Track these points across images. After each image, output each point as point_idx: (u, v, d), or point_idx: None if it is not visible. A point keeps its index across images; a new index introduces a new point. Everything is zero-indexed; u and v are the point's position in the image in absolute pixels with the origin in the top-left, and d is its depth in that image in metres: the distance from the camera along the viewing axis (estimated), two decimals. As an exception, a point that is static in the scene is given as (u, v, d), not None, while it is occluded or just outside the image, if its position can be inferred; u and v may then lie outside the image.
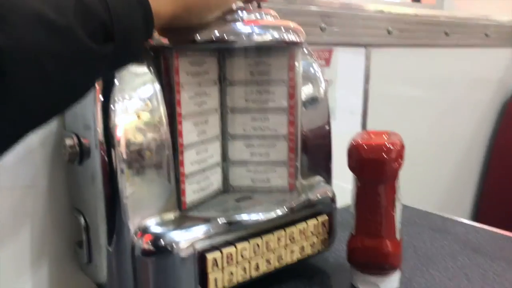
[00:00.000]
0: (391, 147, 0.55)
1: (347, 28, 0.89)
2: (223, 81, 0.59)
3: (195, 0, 0.44)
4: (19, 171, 0.54)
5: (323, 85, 0.63)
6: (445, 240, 0.75)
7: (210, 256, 0.49)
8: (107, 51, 0.36)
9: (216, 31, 0.49)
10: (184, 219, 0.51)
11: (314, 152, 0.63)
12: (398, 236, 0.59)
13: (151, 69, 0.49)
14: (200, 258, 0.49)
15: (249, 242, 0.52)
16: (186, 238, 0.48)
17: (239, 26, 0.50)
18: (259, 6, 0.55)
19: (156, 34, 0.48)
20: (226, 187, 0.61)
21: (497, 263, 0.67)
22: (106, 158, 0.46)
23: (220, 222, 0.51)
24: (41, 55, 0.31)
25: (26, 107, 0.32)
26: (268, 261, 0.55)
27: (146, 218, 0.48)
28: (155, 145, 0.48)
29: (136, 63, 0.47)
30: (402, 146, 0.56)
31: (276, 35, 0.52)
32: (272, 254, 0.55)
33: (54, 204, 0.57)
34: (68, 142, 0.49)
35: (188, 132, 0.53)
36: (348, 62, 0.91)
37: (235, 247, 0.51)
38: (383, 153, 0.54)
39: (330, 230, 0.62)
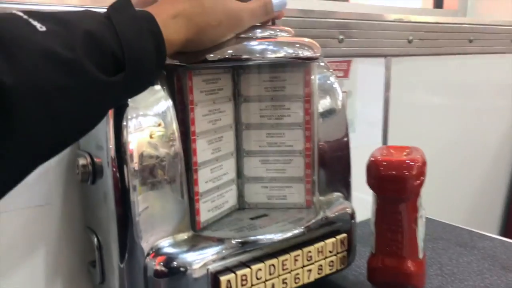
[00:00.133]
0: (412, 163, 0.53)
1: (366, 38, 0.87)
2: (237, 98, 0.58)
3: (208, 24, 0.44)
4: (33, 190, 0.54)
5: (340, 97, 0.62)
6: (472, 256, 0.73)
7: (223, 278, 0.48)
8: (117, 82, 0.35)
9: (229, 49, 0.48)
10: (197, 239, 0.50)
11: (332, 167, 0.62)
12: (421, 255, 0.57)
13: (164, 87, 0.48)
14: (214, 280, 0.48)
15: (264, 262, 0.51)
16: (199, 259, 0.47)
17: (253, 43, 0.49)
18: (273, 23, 0.54)
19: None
20: (241, 204, 0.60)
21: (526, 282, 0.64)
22: (118, 175, 0.46)
23: (234, 243, 0.50)
24: (48, 90, 0.31)
25: (34, 143, 0.31)
26: (284, 282, 0.53)
27: (158, 238, 0.47)
28: (168, 162, 0.47)
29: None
30: (424, 162, 0.54)
31: (290, 51, 0.51)
32: (288, 274, 0.54)
33: (68, 223, 0.57)
34: (81, 161, 0.49)
35: (202, 150, 0.53)
36: (367, 73, 0.90)
37: (250, 268, 0.50)
38: (403, 170, 0.53)
39: (349, 248, 0.60)
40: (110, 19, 0.37)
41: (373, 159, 0.55)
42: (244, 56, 0.48)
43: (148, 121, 0.46)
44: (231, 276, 0.48)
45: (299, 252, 0.54)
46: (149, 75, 0.40)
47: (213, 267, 0.48)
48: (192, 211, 0.52)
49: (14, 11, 0.33)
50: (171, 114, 0.48)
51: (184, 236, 0.49)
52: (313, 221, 0.56)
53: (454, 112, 1.15)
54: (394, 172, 0.53)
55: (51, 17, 0.34)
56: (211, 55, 0.47)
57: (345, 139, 0.63)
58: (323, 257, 0.56)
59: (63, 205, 0.56)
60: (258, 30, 0.51)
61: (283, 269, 0.53)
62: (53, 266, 0.57)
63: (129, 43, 0.36)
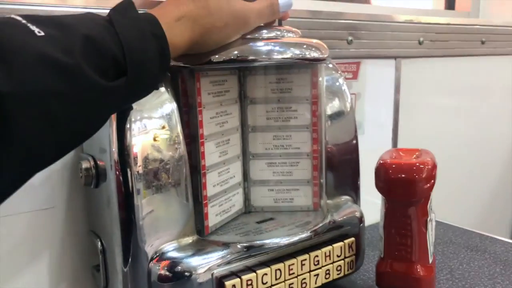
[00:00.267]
0: (422, 166, 0.52)
1: (375, 40, 0.86)
2: (243, 99, 0.57)
3: (213, 26, 0.43)
4: (37, 194, 0.54)
5: (349, 99, 0.61)
6: (483, 260, 0.71)
7: (228, 283, 0.47)
8: (119, 86, 0.35)
9: (235, 50, 0.47)
10: (202, 244, 0.49)
11: (340, 170, 0.61)
12: (430, 259, 0.56)
13: (168, 89, 0.48)
14: (219, 285, 0.47)
15: (270, 267, 0.50)
16: (204, 264, 0.47)
17: (259, 44, 0.49)
18: (280, 24, 0.53)
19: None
20: (248, 208, 0.60)
21: (540, 287, 0.63)
22: (121, 179, 0.45)
23: (239, 247, 0.49)
24: (46, 96, 0.30)
25: (32, 150, 0.31)
26: (290, 287, 0.52)
27: (163, 242, 0.47)
28: (172, 166, 0.47)
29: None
30: (434, 165, 0.53)
31: (297, 52, 0.50)
32: (295, 279, 0.53)
33: (72, 227, 0.57)
34: (84, 165, 0.48)
35: (210, 153, 0.52)
36: (377, 75, 0.89)
37: (255, 272, 0.49)
38: (413, 173, 0.52)
39: (357, 252, 0.59)
40: (112, 22, 0.36)
41: (382, 162, 0.54)
42: (250, 57, 0.48)
43: (152, 124, 0.46)
44: (236, 280, 0.48)
45: (306, 256, 0.53)
46: (152, 80, 0.39)
47: (218, 272, 0.47)
48: (201, 216, 0.51)
49: (12, 16, 0.32)
50: (176, 117, 0.47)
51: (188, 240, 0.48)
52: (321, 225, 0.55)
53: (465, 115, 1.13)
54: (403, 175, 0.52)
55: (50, 21, 0.33)
56: (216, 56, 0.46)
57: (354, 141, 0.62)
58: (330, 261, 0.56)
59: (67, 208, 0.56)
60: (265, 31, 0.50)
61: (290, 274, 0.52)
62: (57, 270, 0.56)
63: (130, 47, 0.35)
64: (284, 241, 0.52)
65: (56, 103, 0.31)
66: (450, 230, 0.84)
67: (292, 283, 0.52)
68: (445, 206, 0.77)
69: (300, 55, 0.50)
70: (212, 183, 0.53)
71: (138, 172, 0.45)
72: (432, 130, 1.04)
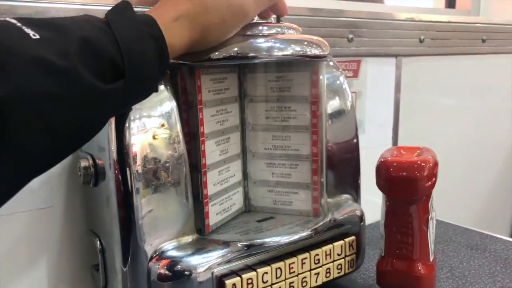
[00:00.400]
0: (423, 164, 0.52)
1: (376, 38, 0.86)
2: (243, 98, 0.57)
3: (211, 23, 0.42)
4: (35, 193, 0.53)
5: (350, 98, 0.61)
6: (483, 259, 0.71)
7: (229, 282, 0.47)
8: (117, 89, 0.34)
9: (235, 47, 0.47)
10: (202, 242, 0.49)
11: (341, 169, 0.60)
12: (431, 258, 0.55)
13: (168, 87, 0.47)
14: (219, 283, 0.47)
15: (270, 266, 0.50)
16: (204, 263, 0.46)
17: (259, 41, 0.48)
18: (278, 21, 0.53)
19: None
20: (248, 207, 0.59)
21: (540, 285, 0.62)
22: (120, 178, 0.45)
23: (239, 246, 0.49)
24: (41, 100, 0.30)
25: (30, 154, 0.30)
26: (291, 285, 0.52)
27: (162, 241, 0.46)
28: (172, 164, 0.46)
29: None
30: (435, 163, 0.53)
31: (298, 49, 0.49)
32: (295, 278, 0.52)
33: (71, 226, 0.56)
34: (83, 163, 0.48)
35: (211, 151, 0.52)
36: (377, 73, 0.88)
37: (256, 271, 0.49)
38: (414, 171, 0.52)
39: (358, 250, 0.58)
40: (109, 23, 0.36)
41: (383, 160, 0.53)
42: (251, 54, 0.47)
43: (151, 122, 0.45)
44: (236, 279, 0.47)
45: (306, 255, 0.53)
46: (151, 82, 0.39)
47: (218, 271, 0.47)
48: (201, 215, 0.51)
49: (7, 18, 0.32)
50: (175, 115, 0.47)
51: (188, 239, 0.48)
52: (321, 223, 0.55)
53: (465, 113, 1.13)
54: (404, 173, 0.52)
55: (46, 24, 0.33)
56: (216, 53, 0.46)
57: (355, 140, 0.61)
58: (331, 260, 0.55)
59: (65, 208, 0.56)
60: (265, 28, 0.49)
61: (290, 273, 0.52)
62: (56, 270, 0.56)
63: (128, 49, 0.35)
64: (285, 239, 0.51)
65: (52, 106, 0.30)
66: (450, 228, 0.84)
67: (293, 282, 0.52)
68: (445, 205, 0.77)
69: (301, 52, 0.49)
70: (212, 181, 0.53)
71: (137, 171, 0.44)
72: (432, 129, 1.04)
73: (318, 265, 0.54)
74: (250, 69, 0.56)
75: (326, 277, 0.55)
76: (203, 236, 0.50)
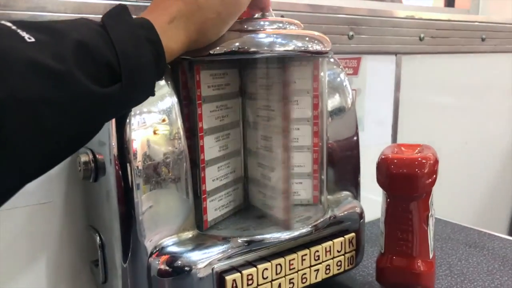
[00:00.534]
0: (424, 161, 0.52)
1: (376, 35, 0.86)
2: (244, 94, 0.56)
3: (206, 19, 0.42)
4: (35, 188, 0.53)
5: (350, 95, 0.61)
6: (481, 256, 0.72)
7: (229, 278, 0.47)
8: (113, 93, 0.34)
9: (236, 42, 0.46)
10: (202, 238, 0.49)
11: (341, 165, 0.60)
12: (431, 255, 0.55)
13: (169, 82, 0.47)
14: (219, 279, 0.47)
15: (270, 262, 0.50)
16: (204, 259, 0.46)
17: (261, 36, 0.48)
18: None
19: None
20: (248, 203, 0.59)
21: (539, 283, 0.63)
22: (121, 173, 0.44)
23: (240, 241, 0.49)
24: (36, 104, 0.29)
25: (23, 160, 0.30)
26: (291, 282, 0.52)
27: (162, 237, 0.46)
28: (172, 160, 0.46)
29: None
30: (436, 160, 0.53)
31: (299, 44, 0.49)
32: (295, 274, 0.52)
33: (70, 222, 0.56)
34: (83, 158, 0.48)
35: (210, 147, 0.52)
36: (377, 71, 0.88)
37: (256, 267, 0.49)
38: (415, 168, 0.52)
39: (357, 247, 0.58)
40: (105, 27, 0.35)
41: (383, 156, 0.53)
42: (252, 49, 0.47)
43: (152, 118, 0.45)
44: (236, 275, 0.47)
45: (306, 251, 0.53)
46: (148, 86, 0.38)
47: (218, 266, 0.47)
48: (199, 210, 0.50)
49: (2, 22, 0.31)
50: (176, 111, 0.46)
51: (188, 235, 0.48)
52: (321, 220, 0.55)
53: (465, 112, 1.13)
54: (405, 170, 0.52)
55: (41, 27, 0.32)
56: (217, 48, 0.46)
57: (355, 138, 0.61)
58: (330, 256, 0.55)
59: (65, 203, 0.55)
60: (266, 23, 0.49)
61: (290, 269, 0.52)
62: (55, 265, 0.56)
63: (125, 52, 0.35)
64: (285, 236, 0.51)
65: (47, 110, 0.30)
66: (448, 226, 0.85)
67: (293, 278, 0.52)
68: (444, 203, 0.77)
69: (303, 48, 0.49)
70: (211, 177, 0.52)
71: (137, 166, 0.44)
72: (431, 127, 1.04)
73: (318, 261, 0.54)
74: (251, 65, 0.56)
75: (326, 273, 0.55)
76: (203, 232, 0.50)
